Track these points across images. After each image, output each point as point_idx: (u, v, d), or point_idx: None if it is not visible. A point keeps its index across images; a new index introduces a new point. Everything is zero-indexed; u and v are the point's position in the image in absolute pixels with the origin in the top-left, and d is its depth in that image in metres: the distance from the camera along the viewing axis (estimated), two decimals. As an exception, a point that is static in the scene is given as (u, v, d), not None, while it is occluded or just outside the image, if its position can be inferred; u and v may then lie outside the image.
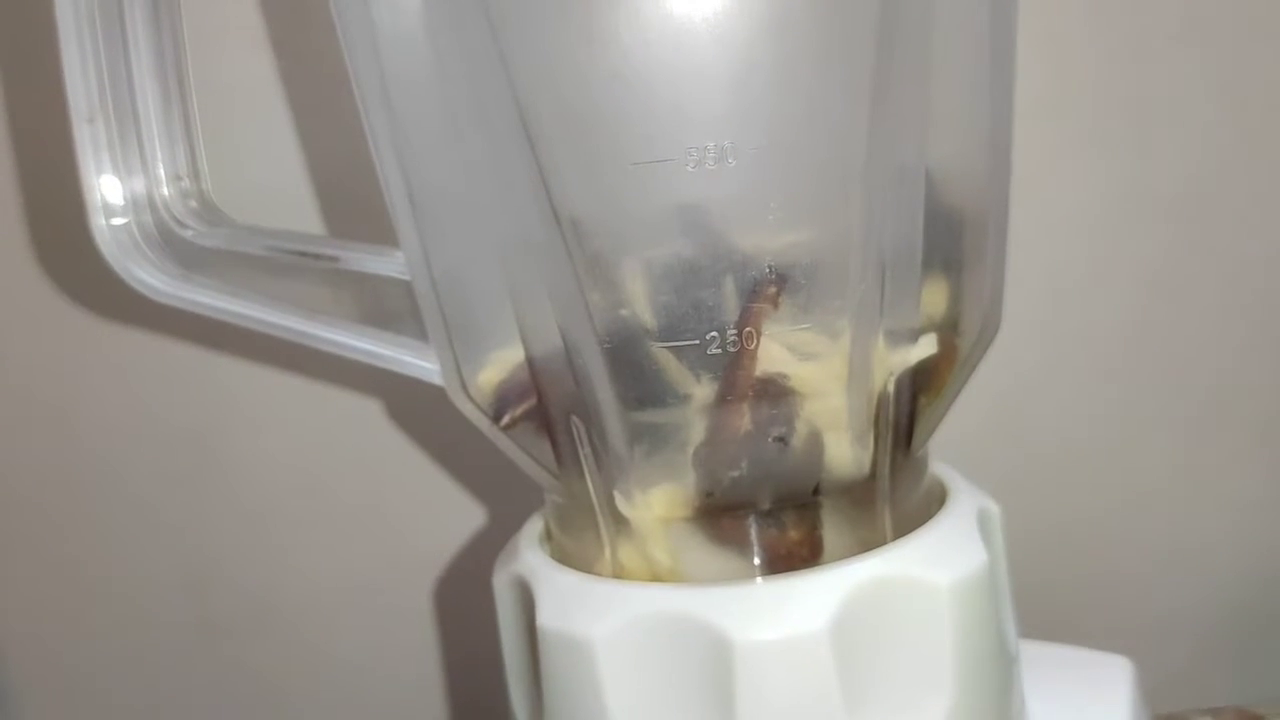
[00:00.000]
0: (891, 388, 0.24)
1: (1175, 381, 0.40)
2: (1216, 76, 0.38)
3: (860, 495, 0.24)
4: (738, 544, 0.24)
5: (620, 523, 0.24)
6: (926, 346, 0.24)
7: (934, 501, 0.26)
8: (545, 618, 0.24)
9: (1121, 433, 0.40)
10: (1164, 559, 0.41)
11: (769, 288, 0.22)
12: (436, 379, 0.25)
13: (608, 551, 0.25)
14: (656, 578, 0.24)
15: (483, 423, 0.25)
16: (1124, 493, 0.41)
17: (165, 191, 0.27)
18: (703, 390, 0.23)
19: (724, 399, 0.23)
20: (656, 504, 0.24)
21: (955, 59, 0.24)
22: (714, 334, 0.22)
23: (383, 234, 0.25)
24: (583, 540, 0.25)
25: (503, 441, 0.26)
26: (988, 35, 0.24)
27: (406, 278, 0.25)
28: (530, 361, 0.24)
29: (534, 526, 0.27)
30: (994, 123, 0.25)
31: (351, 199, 0.37)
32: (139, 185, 0.27)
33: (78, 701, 0.44)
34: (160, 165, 0.27)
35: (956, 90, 0.24)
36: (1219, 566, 0.42)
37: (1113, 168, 0.38)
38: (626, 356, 0.23)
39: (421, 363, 0.26)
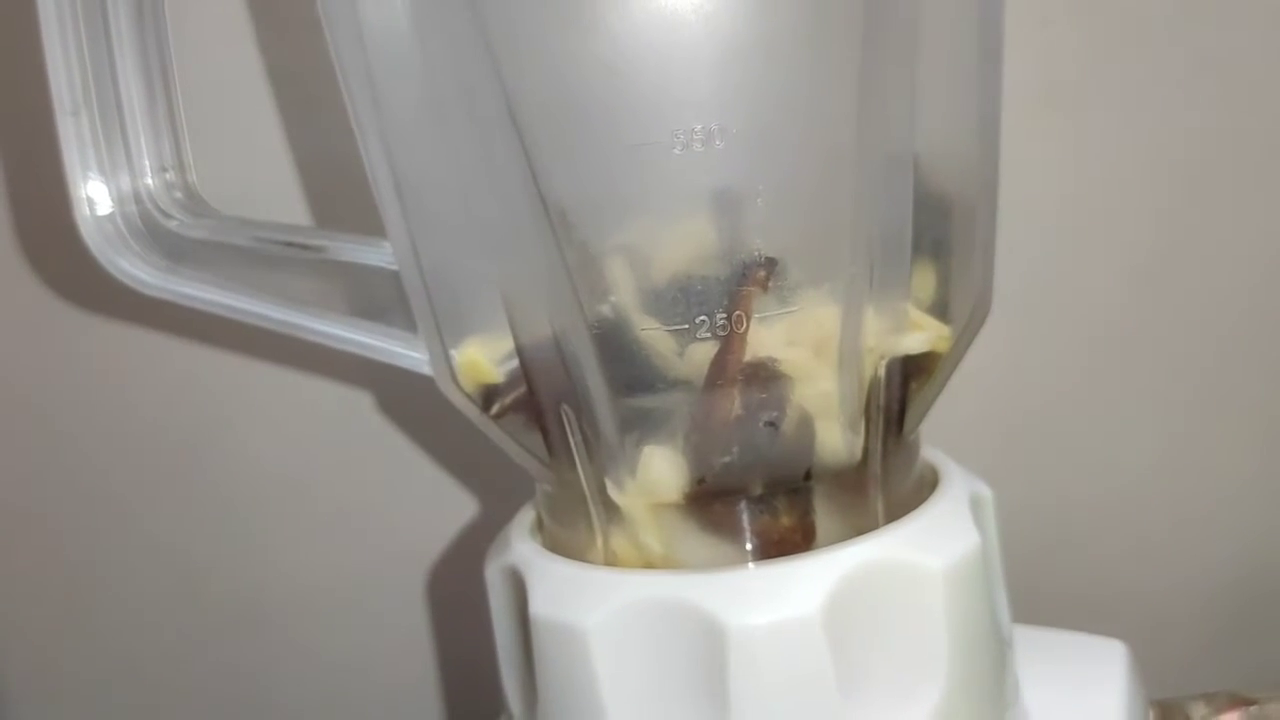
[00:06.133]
0: (882, 372, 0.24)
1: (1168, 366, 0.40)
2: (1206, 61, 0.38)
3: (852, 480, 0.24)
4: (730, 530, 0.24)
5: (612, 510, 0.24)
6: (918, 340, 0.24)
7: (926, 486, 0.26)
8: (538, 607, 0.24)
9: (1113, 418, 0.40)
10: (1156, 545, 0.41)
11: (758, 271, 0.22)
12: (425, 369, 0.25)
13: (600, 540, 0.25)
14: (649, 565, 0.24)
15: (472, 412, 0.25)
16: (1115, 479, 0.41)
17: (150, 183, 0.27)
18: (693, 375, 0.23)
19: (714, 383, 0.23)
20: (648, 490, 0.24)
21: (943, 44, 0.24)
22: (703, 318, 0.22)
23: (370, 224, 0.25)
24: (574, 529, 0.25)
25: (492, 431, 0.26)
26: (975, 20, 0.24)
27: (394, 268, 0.25)
28: (519, 349, 0.24)
29: (525, 516, 0.27)
30: (982, 108, 0.25)
31: (338, 189, 0.36)
32: (124, 177, 0.26)
33: (73, 703, 0.44)
34: (145, 157, 0.27)
35: (945, 76, 0.24)
36: (1211, 552, 0.42)
37: (1104, 153, 0.38)
38: (616, 342, 0.23)
39: (410, 353, 0.25)
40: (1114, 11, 0.37)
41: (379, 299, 0.26)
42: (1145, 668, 0.29)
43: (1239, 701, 0.38)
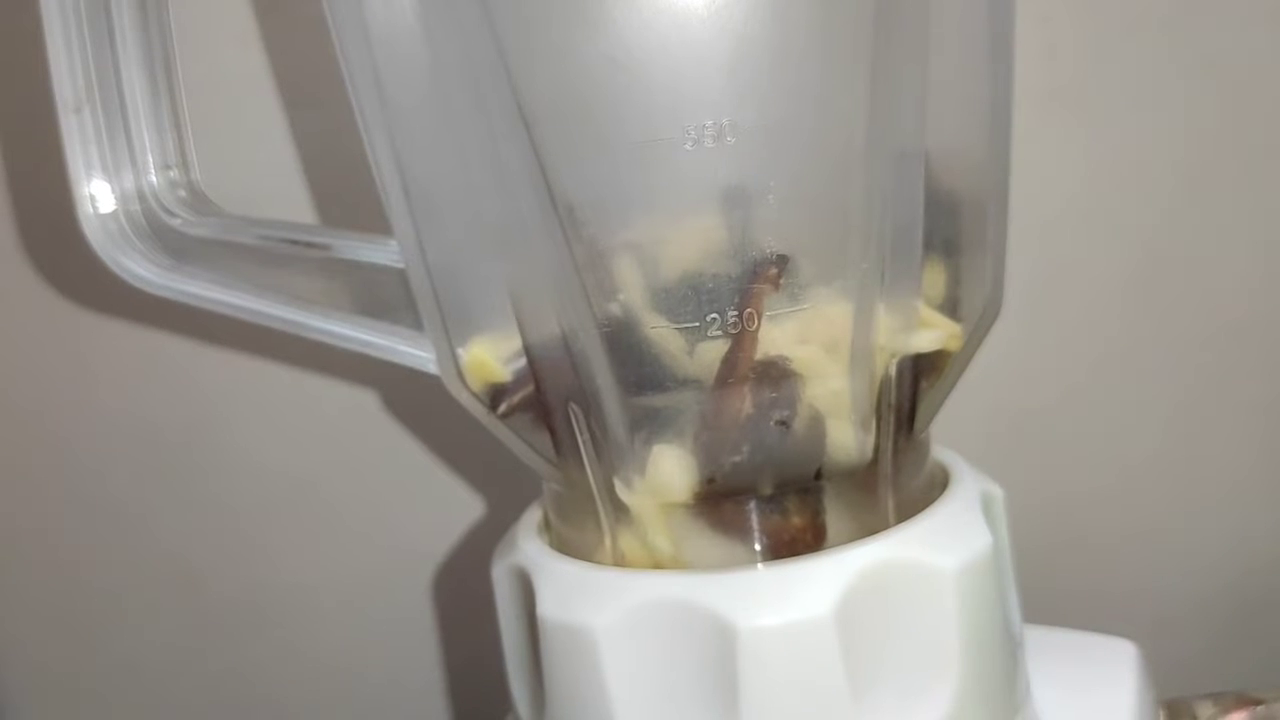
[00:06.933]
0: (893, 371, 0.24)
1: (1171, 363, 0.40)
2: (1206, 61, 0.37)
3: (863, 479, 0.24)
4: (740, 530, 0.24)
5: (620, 510, 0.24)
6: (930, 338, 0.24)
7: (936, 485, 0.25)
8: (545, 608, 0.23)
9: (1117, 415, 0.40)
10: (1161, 543, 0.41)
11: (770, 268, 0.22)
12: (432, 368, 0.25)
13: (608, 540, 0.24)
14: (658, 566, 0.24)
15: (479, 411, 0.25)
16: (1119, 476, 0.41)
17: (154, 181, 0.27)
18: (703, 373, 0.23)
19: (724, 382, 0.22)
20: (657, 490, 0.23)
21: (953, 41, 0.24)
22: (714, 316, 0.22)
23: (376, 222, 0.25)
24: (582, 529, 0.25)
25: (500, 430, 0.25)
26: (985, 17, 0.24)
27: (400, 266, 0.25)
28: (527, 348, 0.24)
29: (532, 516, 0.27)
30: (993, 106, 0.25)
31: (343, 187, 0.36)
32: (127, 175, 0.26)
33: (72, 704, 0.44)
34: (149, 155, 0.27)
35: (955, 73, 0.24)
36: (1217, 549, 0.42)
37: (1103, 151, 0.38)
38: (625, 341, 0.23)
39: (416, 352, 0.25)
40: (1113, 10, 0.37)
41: (385, 297, 0.26)
42: (1151, 666, 0.29)
43: (1246, 701, 0.38)
